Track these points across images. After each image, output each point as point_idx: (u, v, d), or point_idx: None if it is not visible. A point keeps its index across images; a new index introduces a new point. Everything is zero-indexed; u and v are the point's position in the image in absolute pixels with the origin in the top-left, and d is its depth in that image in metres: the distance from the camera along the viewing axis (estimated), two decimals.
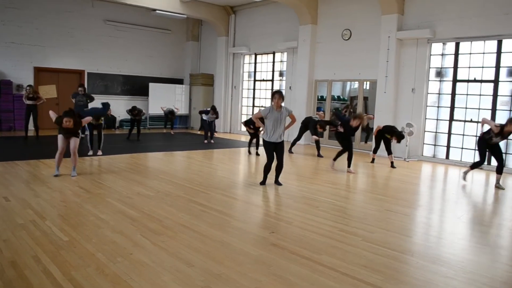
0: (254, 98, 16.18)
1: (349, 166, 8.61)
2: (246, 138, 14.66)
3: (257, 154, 10.74)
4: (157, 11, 14.66)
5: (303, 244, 4.20)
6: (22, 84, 13.91)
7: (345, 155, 8.63)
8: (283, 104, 6.76)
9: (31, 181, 6.65)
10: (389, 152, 9.65)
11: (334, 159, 8.82)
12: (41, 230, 4.30)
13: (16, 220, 4.62)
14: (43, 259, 3.56)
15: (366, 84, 12.61)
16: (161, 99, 15.23)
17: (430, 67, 10.79)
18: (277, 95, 6.60)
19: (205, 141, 12.89)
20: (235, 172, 8.62)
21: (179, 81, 18.09)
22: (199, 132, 16.02)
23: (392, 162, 9.59)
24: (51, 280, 3.17)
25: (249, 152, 11.02)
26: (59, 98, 13.55)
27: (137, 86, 16.54)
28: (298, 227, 4.79)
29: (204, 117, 13.01)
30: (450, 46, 10.44)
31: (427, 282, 3.44)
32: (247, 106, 16.47)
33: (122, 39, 16.32)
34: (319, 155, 10.83)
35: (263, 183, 7.10)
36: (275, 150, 6.86)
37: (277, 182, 7.11)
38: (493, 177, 8.20)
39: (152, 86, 16.56)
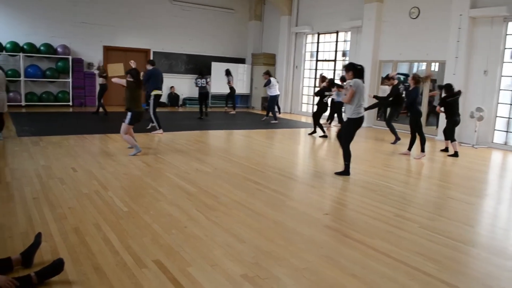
0: (315, 78, 15.90)
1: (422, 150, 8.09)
2: (306, 119, 14.55)
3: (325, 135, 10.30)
4: None
5: (357, 228, 4.11)
6: (92, 62, 14.59)
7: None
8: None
9: (98, 154, 7.00)
10: (453, 137, 8.84)
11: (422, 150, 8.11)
12: (103, 200, 4.53)
13: (82, 189, 4.89)
14: (103, 227, 3.75)
15: (435, 65, 11.99)
16: (223, 79, 15.34)
17: (505, 48, 10.05)
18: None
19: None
20: (293, 153, 8.58)
21: (241, 61, 18.16)
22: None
23: (456, 152, 8.55)
24: (110, 247, 3.34)
25: (315, 131, 10.58)
26: (126, 76, 14.04)
27: (200, 65, 16.77)
28: (353, 210, 4.69)
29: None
30: None
31: (488, 275, 3.26)
32: (309, 86, 16.26)
33: (187, 19, 16.58)
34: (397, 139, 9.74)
35: (342, 173, 6.36)
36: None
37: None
38: None
39: (214, 65, 16.75)
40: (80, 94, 14.45)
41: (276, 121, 12.80)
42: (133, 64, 9.24)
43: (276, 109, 13.76)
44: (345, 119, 6.58)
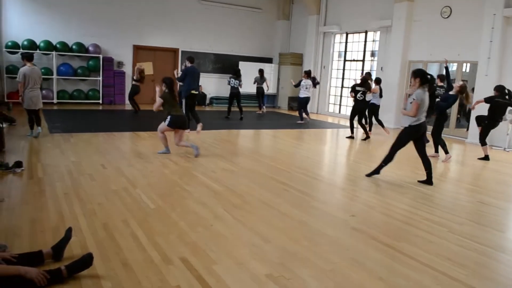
0: (343, 78, 15.78)
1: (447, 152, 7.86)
2: (332, 119, 14.45)
3: (368, 137, 10.11)
4: None
5: (384, 230, 4.07)
6: (122, 61, 14.85)
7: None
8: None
9: (126, 151, 7.12)
10: (485, 141, 8.42)
11: (446, 151, 7.86)
12: (131, 197, 4.61)
13: (111, 186, 4.99)
14: (131, 224, 3.81)
15: (466, 66, 11.73)
16: (251, 78, 15.34)
17: None
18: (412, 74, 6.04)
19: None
20: (320, 153, 8.53)
21: (269, 60, 18.14)
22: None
23: (487, 155, 8.31)
24: (137, 244, 3.40)
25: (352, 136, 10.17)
26: (155, 74, 14.26)
27: (227, 65, 16.85)
28: (380, 212, 4.64)
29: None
30: None
31: None
32: (336, 86, 16.13)
33: (215, 18, 16.68)
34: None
35: (372, 173, 6.26)
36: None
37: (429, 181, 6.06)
38: None
39: (242, 64, 16.79)
40: (110, 92, 14.72)
41: (302, 122, 12.66)
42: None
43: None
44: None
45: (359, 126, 10.42)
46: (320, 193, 5.49)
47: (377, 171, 6.20)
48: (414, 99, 5.73)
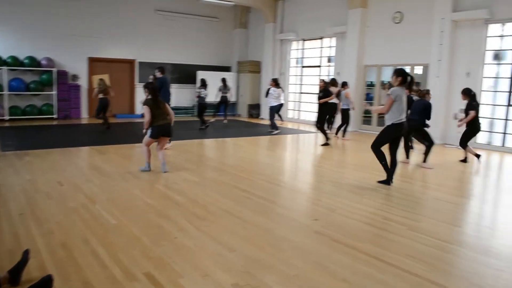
0: (301, 84, 16.02)
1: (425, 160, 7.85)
2: (292, 124, 14.61)
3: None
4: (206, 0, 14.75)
5: (346, 232, 4.13)
6: (77, 74, 14.50)
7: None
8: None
9: (84, 167, 6.94)
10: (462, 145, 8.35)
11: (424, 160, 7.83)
12: (91, 214, 4.49)
13: (69, 203, 4.84)
14: (91, 241, 3.71)
15: (418, 68, 12.14)
16: (210, 87, 15.33)
17: (486, 50, 10.24)
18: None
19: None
20: (281, 159, 8.60)
21: (227, 69, 18.19)
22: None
23: (466, 157, 8.40)
24: (98, 262, 3.31)
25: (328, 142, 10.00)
26: (112, 87, 13.98)
27: (185, 74, 16.77)
28: (342, 215, 4.72)
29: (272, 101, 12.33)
30: (510, 27, 9.84)
31: (475, 274, 3.30)
32: (295, 92, 16.35)
33: (171, 28, 16.59)
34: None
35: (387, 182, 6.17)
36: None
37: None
38: None
39: (200, 74, 16.74)
40: (65, 106, 14.32)
41: (277, 131, 12.10)
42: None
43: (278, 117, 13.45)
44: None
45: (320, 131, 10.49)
46: (283, 199, 5.53)
47: (387, 180, 6.14)
48: (389, 94, 5.90)
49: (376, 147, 6.12)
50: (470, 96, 8.12)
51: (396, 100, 5.81)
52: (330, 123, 12.16)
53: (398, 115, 5.85)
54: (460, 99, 10.33)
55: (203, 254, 3.52)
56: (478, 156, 8.19)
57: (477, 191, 6.49)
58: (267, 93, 12.60)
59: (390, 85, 8.87)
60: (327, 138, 9.96)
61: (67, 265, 3.23)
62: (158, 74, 9.20)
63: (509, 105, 9.85)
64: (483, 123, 10.34)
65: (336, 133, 11.42)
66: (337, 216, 4.66)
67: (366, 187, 6.02)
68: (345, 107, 11.23)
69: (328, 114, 10.83)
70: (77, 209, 4.62)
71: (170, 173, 6.57)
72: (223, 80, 14.12)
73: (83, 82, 14.70)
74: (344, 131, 11.33)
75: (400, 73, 5.94)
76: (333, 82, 11.65)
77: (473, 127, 8.19)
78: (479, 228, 4.59)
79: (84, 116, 14.82)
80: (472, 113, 7.93)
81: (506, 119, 9.94)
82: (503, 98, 10.02)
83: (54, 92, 13.94)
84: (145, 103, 6.36)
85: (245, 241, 3.83)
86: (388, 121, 5.96)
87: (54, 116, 14.02)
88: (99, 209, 4.65)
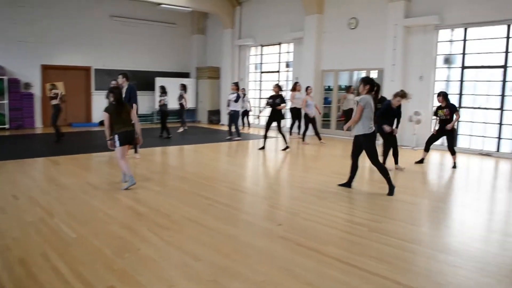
0: (261, 90, 16.13)
1: (396, 162, 7.92)
2: (253, 130, 14.66)
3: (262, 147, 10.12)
4: (163, 5, 14.62)
5: (309, 236, 4.19)
6: (30, 82, 14.01)
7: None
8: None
9: (40, 179, 6.71)
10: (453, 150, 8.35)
11: (385, 161, 7.70)
12: (49, 228, 4.34)
13: (25, 217, 4.66)
14: (51, 256, 3.59)
15: (374, 73, 12.49)
16: (168, 93, 15.16)
17: (437, 54, 10.67)
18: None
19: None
20: (242, 165, 8.61)
21: (186, 75, 18.07)
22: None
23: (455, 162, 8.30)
24: (59, 277, 3.20)
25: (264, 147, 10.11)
26: (67, 95, 13.59)
27: (143, 81, 16.54)
28: (305, 218, 4.78)
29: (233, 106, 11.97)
30: (458, 32, 10.29)
31: (435, 272, 3.42)
32: (254, 98, 16.42)
33: (128, 34, 16.33)
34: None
35: (391, 193, 5.98)
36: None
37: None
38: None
39: (158, 80, 16.55)
40: (18, 116, 13.80)
41: (239, 138, 11.97)
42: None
43: (240, 124, 13.27)
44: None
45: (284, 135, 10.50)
46: (246, 205, 5.54)
47: (390, 189, 6.01)
48: (357, 102, 5.96)
49: (376, 162, 6.06)
50: (447, 100, 8.28)
51: (365, 108, 5.89)
52: (298, 128, 12.32)
53: (368, 122, 5.92)
54: (415, 102, 10.75)
55: (168, 264, 3.48)
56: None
57: (432, 191, 6.72)
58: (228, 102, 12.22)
59: (358, 93, 8.79)
60: (286, 142, 10.06)
61: (26, 283, 3.11)
62: (123, 81, 8.64)
63: (459, 107, 10.26)
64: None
65: (303, 139, 11.55)
66: (300, 220, 4.71)
67: (328, 191, 6.13)
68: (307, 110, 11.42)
69: (295, 119, 11.51)
70: (34, 223, 4.45)
71: None
72: (183, 86, 13.69)
73: (36, 90, 14.22)
74: (304, 135, 11.51)
75: (367, 81, 6.00)
76: (295, 86, 11.87)
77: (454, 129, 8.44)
78: (437, 226, 4.76)
79: (38, 126, 14.33)
80: (458, 114, 8.23)
81: (458, 121, 10.34)
82: (454, 101, 10.41)
83: (6, 101, 13.40)
84: (106, 109, 6.05)
85: (211, 249, 3.81)
86: (361, 130, 5.95)
87: (6, 126, 13.47)
88: (57, 222, 4.50)
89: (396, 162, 7.92)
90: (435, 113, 8.48)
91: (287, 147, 10.00)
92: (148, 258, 3.60)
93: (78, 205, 5.24)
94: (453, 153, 8.27)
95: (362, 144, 6.01)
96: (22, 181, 6.50)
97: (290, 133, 12.61)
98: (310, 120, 11.44)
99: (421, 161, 8.64)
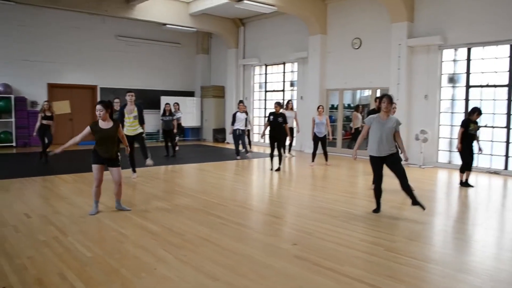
0: (265, 109, 16.21)
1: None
2: (258, 148, 14.69)
3: (278, 169, 9.78)
4: (167, 25, 14.83)
5: (325, 255, 4.17)
6: (36, 100, 14.11)
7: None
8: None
9: (50, 197, 6.71)
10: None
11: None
12: (64, 247, 4.33)
13: (39, 237, 4.66)
14: (69, 276, 3.58)
15: (378, 92, 12.56)
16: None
17: (442, 74, 10.76)
18: (386, 98, 5.71)
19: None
20: (250, 184, 8.62)
21: (190, 94, 18.21)
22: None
23: (467, 179, 8.16)
24: None
25: (274, 168, 9.83)
26: (73, 113, 13.71)
27: (149, 100, 16.62)
28: (319, 238, 4.76)
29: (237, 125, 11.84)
30: (462, 52, 10.40)
31: None
32: (259, 117, 16.50)
33: (133, 54, 16.51)
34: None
35: (376, 210, 5.97)
36: (388, 165, 5.85)
37: (415, 203, 5.73)
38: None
39: (164, 99, 16.65)
40: (24, 134, 13.87)
41: (238, 157, 11.90)
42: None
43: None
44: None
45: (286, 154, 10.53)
46: (258, 224, 5.53)
47: (413, 198, 5.81)
48: (399, 124, 5.82)
49: (404, 179, 5.82)
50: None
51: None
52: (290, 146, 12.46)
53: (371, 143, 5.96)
54: (420, 121, 10.80)
55: (186, 284, 3.46)
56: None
57: (443, 210, 6.71)
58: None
59: (372, 112, 8.11)
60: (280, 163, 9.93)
61: None
62: (132, 99, 8.54)
63: None
64: (443, 143, 10.83)
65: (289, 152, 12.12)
66: (315, 240, 4.70)
67: (339, 210, 6.12)
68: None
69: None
70: (48, 243, 4.45)
71: (140, 201, 6.45)
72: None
73: None
74: (313, 155, 11.15)
75: (392, 99, 5.83)
76: (282, 104, 11.24)
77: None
78: (451, 246, 4.74)
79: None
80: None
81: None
82: (459, 120, 10.46)
83: (13, 120, 13.48)
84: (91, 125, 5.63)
85: (227, 269, 3.80)
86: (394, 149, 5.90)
87: (13, 144, 13.52)
88: (72, 241, 4.50)
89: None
90: (468, 126, 7.95)
91: (279, 168, 9.83)
92: (165, 278, 3.59)
93: (91, 223, 5.24)
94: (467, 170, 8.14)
95: (395, 162, 5.81)
96: (32, 199, 6.51)
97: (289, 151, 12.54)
98: (319, 139, 11.03)
99: (467, 184, 8.17)
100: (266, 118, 9.91)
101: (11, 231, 4.83)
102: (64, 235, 4.73)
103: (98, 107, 5.54)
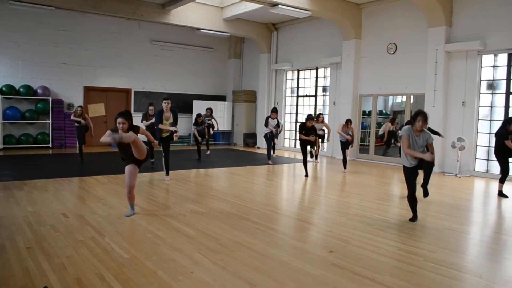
0: (297, 114, 16.13)
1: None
2: (289, 153, 14.62)
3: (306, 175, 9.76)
4: (201, 30, 14.96)
5: (363, 264, 4.07)
6: (72, 103, 14.46)
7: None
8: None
9: (86, 198, 6.82)
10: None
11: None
12: (101, 247, 4.38)
13: (76, 236, 4.73)
14: (107, 277, 3.60)
15: (413, 98, 12.31)
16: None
17: (481, 80, 10.45)
18: (421, 117, 5.55)
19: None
20: (283, 189, 8.56)
21: (222, 98, 18.30)
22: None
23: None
24: None
25: (307, 175, 9.81)
26: (107, 116, 13.98)
27: (181, 103, 16.80)
28: (356, 246, 4.66)
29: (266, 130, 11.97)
30: (502, 58, 10.09)
31: None
32: (290, 122, 16.44)
33: (167, 58, 16.74)
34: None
35: (413, 219, 5.87)
36: (421, 166, 5.77)
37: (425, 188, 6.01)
38: None
39: (196, 103, 16.82)
40: (60, 135, 14.23)
41: (269, 161, 11.90)
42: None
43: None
44: None
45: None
46: (293, 230, 5.45)
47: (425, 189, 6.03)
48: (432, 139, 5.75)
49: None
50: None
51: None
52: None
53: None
54: (457, 128, 10.52)
55: None
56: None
57: (480, 218, 6.48)
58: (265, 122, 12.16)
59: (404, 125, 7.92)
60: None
61: None
62: (168, 106, 8.75)
63: None
64: (481, 152, 10.50)
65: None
66: (352, 248, 4.60)
67: (374, 217, 5.99)
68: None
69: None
70: (86, 243, 4.50)
71: (175, 204, 6.49)
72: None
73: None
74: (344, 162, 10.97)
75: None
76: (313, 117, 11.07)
77: None
78: (493, 258, 4.56)
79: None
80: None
81: None
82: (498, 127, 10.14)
83: (49, 121, 13.85)
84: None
85: (264, 275, 3.75)
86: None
87: (49, 145, 13.88)
88: (108, 242, 4.55)
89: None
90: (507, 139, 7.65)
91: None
92: (202, 282, 3.57)
93: (127, 225, 5.29)
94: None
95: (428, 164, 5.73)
96: (69, 199, 6.64)
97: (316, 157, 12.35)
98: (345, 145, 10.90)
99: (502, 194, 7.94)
100: (298, 129, 9.86)
101: (50, 231, 4.92)
102: (101, 235, 4.78)
103: (120, 120, 5.33)
